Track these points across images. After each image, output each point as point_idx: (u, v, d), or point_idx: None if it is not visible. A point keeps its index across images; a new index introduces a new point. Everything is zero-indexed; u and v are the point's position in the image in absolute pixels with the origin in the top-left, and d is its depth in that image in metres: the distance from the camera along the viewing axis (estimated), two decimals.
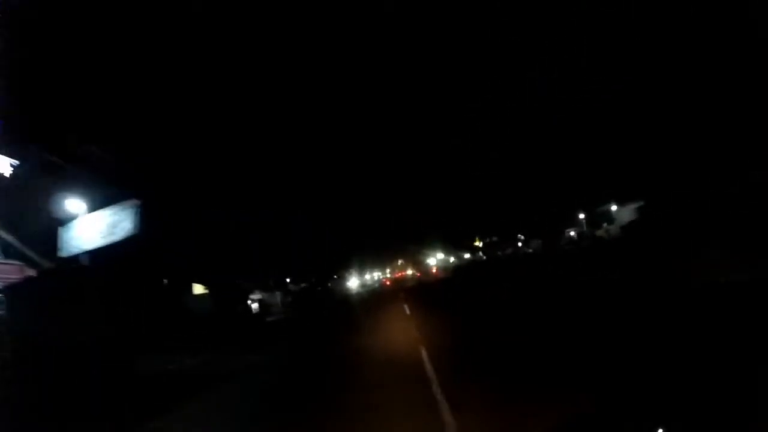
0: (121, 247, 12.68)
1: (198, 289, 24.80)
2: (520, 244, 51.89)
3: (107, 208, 12.95)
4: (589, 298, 11.48)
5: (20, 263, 14.71)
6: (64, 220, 13.23)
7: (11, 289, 11.55)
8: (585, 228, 39.75)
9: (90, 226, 12.92)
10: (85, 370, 8.49)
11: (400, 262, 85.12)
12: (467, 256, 74.68)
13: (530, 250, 48.26)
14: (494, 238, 54.37)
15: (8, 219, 14.81)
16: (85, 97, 18.29)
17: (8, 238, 14.66)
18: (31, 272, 14.44)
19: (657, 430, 2.56)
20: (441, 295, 22.55)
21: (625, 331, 7.01)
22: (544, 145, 40.59)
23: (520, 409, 4.57)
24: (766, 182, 13.35)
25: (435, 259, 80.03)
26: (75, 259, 13.03)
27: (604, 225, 37.01)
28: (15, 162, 14.69)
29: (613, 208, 35.97)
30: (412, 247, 79.74)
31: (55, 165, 15.77)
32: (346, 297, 39.63)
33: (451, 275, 36.88)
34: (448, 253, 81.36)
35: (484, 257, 59.92)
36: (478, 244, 66.86)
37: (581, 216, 39.46)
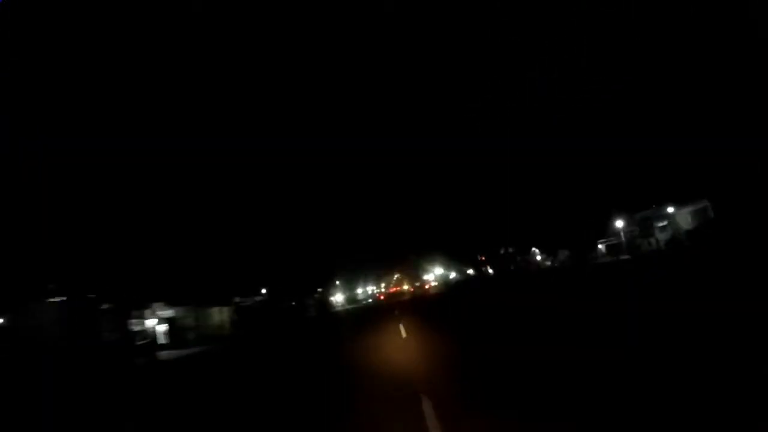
0: None
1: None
2: (539, 257, 43.98)
3: None
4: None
5: None
6: None
7: None
8: (624, 236, 32.31)
9: None
10: None
11: (396, 276, 77.68)
12: (470, 271, 67.06)
13: (548, 263, 40.42)
14: (510, 249, 46.30)
15: None
16: None
17: None
18: None
19: None
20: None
21: None
22: (556, 145, 34.31)
23: None
24: None
25: (433, 275, 72.71)
26: None
27: (660, 228, 29.39)
28: None
29: (669, 210, 28.41)
30: (411, 261, 73.18)
31: None
32: (325, 316, 32.06)
33: (443, 299, 28.52)
34: (449, 267, 74.05)
35: (491, 272, 52.17)
36: (482, 258, 58.90)
37: (618, 224, 32.05)
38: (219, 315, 24.32)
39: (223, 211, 28.94)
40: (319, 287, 43.16)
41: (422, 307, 23.13)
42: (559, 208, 35.84)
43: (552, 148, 34.65)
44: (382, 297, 58.66)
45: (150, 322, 18.33)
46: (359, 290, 74.14)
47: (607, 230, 33.83)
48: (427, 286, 53.60)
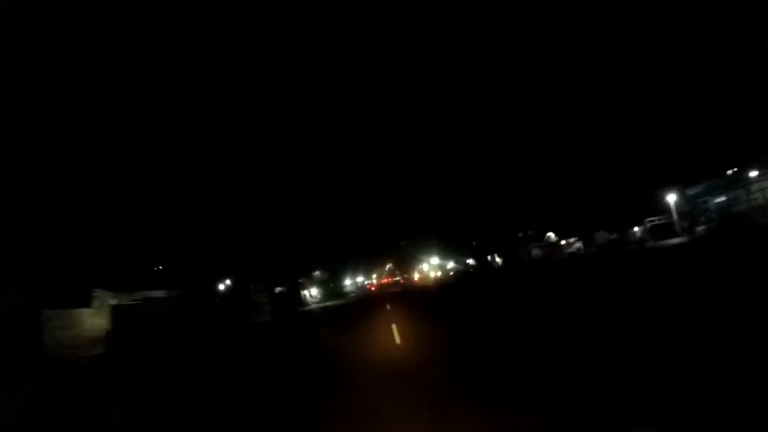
0: None
1: None
2: (564, 241, 36.32)
3: None
4: None
5: None
6: None
7: None
8: (677, 214, 25.28)
9: None
10: None
11: (388, 266, 72.57)
12: (470, 261, 60.42)
13: (576, 247, 33.03)
14: (529, 232, 38.79)
15: None
16: None
17: None
18: None
19: None
20: None
21: None
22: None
23: None
24: None
25: (428, 265, 66.55)
26: None
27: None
28: None
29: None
30: (404, 250, 67.47)
31: None
32: (286, 321, 23.65)
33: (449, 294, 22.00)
34: (447, 256, 67.70)
35: (498, 261, 44.98)
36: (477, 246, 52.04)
37: (671, 198, 24.92)
38: (94, 319, 16.37)
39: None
40: (294, 278, 34.74)
41: (421, 306, 16.70)
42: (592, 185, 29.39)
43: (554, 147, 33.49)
44: (373, 288, 56.52)
45: None
46: (347, 281, 66.96)
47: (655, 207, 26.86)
48: (416, 279, 49.55)
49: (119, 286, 19.21)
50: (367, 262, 74.29)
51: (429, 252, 65.78)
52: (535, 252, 37.41)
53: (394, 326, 10.59)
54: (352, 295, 46.63)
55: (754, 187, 22.25)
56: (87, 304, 16.41)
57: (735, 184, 23.84)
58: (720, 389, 3.11)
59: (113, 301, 17.53)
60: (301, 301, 34.88)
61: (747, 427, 2.49)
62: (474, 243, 48.53)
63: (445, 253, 66.15)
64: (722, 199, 25.27)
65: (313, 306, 34.12)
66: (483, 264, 47.52)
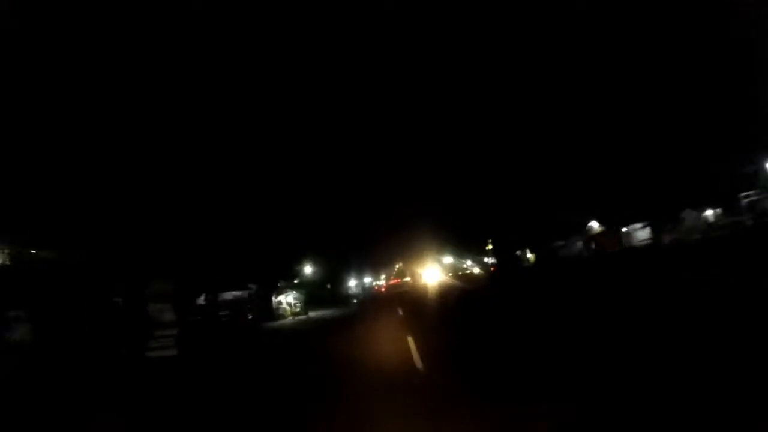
0: None
1: None
2: (625, 228, 27.85)
3: None
4: None
5: None
6: None
7: None
8: None
9: None
10: None
11: (397, 267, 69.12)
12: (488, 260, 53.15)
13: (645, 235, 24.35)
14: (574, 218, 31.08)
15: None
16: None
17: None
18: None
19: None
20: None
21: None
22: None
23: None
24: None
25: (440, 265, 59.83)
26: None
27: None
28: None
29: None
30: (416, 249, 61.19)
31: None
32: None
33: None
34: (462, 255, 60.83)
35: (530, 257, 37.25)
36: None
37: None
38: None
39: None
40: (270, 279, 26.28)
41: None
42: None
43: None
44: (383, 290, 55.11)
45: None
46: (351, 283, 59.80)
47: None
48: (421, 280, 45.88)
49: None
50: (375, 262, 68.67)
51: (442, 251, 59.29)
52: (579, 245, 29.93)
53: None
54: (355, 300, 38.30)
55: None
56: None
57: None
58: None
59: None
60: (272, 313, 26.39)
61: None
62: (495, 236, 40.87)
63: (460, 252, 59.68)
64: None
65: (289, 320, 25.38)
66: (509, 261, 39.73)
